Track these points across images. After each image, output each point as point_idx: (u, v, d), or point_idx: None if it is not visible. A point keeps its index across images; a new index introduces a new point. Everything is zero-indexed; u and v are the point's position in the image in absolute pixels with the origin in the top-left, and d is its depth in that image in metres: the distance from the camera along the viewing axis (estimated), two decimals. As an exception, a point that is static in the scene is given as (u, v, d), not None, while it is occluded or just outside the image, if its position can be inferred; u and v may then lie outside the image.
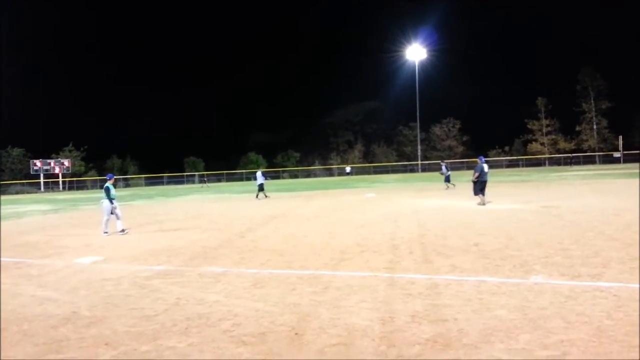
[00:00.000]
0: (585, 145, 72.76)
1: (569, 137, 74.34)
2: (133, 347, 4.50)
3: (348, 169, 73.19)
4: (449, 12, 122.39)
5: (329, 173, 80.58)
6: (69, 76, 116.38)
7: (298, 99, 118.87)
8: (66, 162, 71.84)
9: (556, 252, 7.94)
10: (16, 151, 73.00)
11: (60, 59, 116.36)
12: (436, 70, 77.75)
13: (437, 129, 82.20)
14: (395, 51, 74.16)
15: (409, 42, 72.79)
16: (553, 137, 75.00)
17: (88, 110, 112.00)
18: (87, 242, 11.82)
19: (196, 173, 75.16)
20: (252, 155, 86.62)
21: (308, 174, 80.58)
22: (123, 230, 12.93)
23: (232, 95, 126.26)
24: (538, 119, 75.56)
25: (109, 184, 13.26)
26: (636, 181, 23.91)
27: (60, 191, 65.80)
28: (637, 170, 34.39)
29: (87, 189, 69.83)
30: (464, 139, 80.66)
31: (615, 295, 5.39)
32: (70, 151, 76.54)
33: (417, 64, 72.87)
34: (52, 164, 70.42)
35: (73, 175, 73.86)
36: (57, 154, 75.58)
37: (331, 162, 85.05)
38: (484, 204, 16.18)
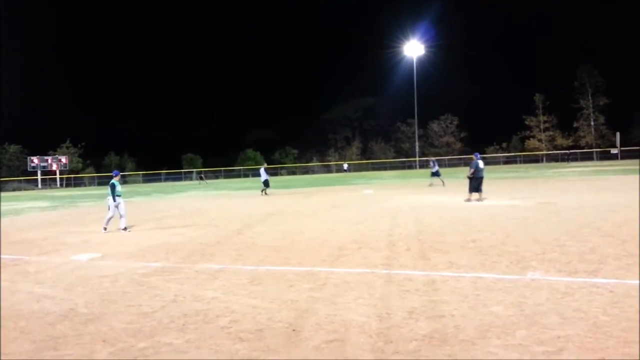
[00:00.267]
0: (582, 142, 72.97)
1: (566, 133, 74.58)
2: (130, 344, 4.50)
3: (345, 166, 73.24)
4: (446, 8, 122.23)
5: (327, 170, 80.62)
6: (67, 73, 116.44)
7: (296, 95, 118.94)
8: (64, 159, 71.74)
9: (553, 248, 7.97)
10: (13, 148, 72.87)
11: (58, 55, 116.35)
12: (434, 66, 77.75)
13: (435, 126, 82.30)
14: (393, 47, 74.13)
15: (406, 38, 72.75)
16: (551, 133, 75.20)
17: (86, 107, 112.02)
18: (84, 239, 11.81)
19: (194, 170, 75.10)
20: (250, 152, 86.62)
21: (306, 171, 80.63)
22: (125, 229, 12.85)
23: (230, 93, 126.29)
24: (536, 116, 75.74)
25: (114, 180, 13.01)
26: (632, 177, 23.99)
27: (57, 188, 65.68)
28: (634, 167, 34.51)
29: (85, 185, 69.76)
30: (462, 135, 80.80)
31: (611, 292, 5.41)
32: (67, 148, 76.45)
33: (415, 60, 72.82)
34: (49, 161, 70.31)
35: (70, 172, 73.75)
36: (55, 150, 75.46)
37: (329, 158, 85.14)
38: (469, 201, 16.26)
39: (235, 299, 5.88)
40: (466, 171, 18.00)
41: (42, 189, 64.63)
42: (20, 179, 67.81)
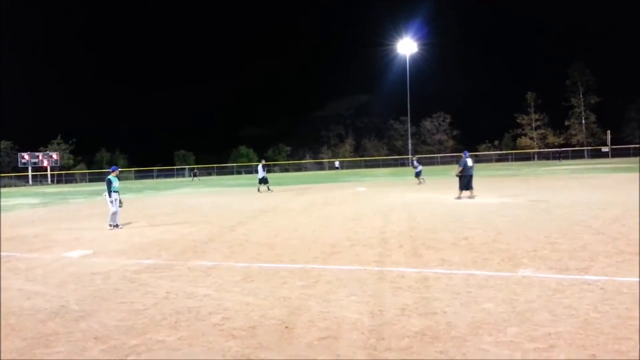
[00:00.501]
0: (574, 140, 73.47)
1: (558, 131, 75.01)
2: (122, 341, 4.48)
3: (337, 163, 73.26)
4: (439, 6, 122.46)
5: (320, 167, 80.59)
6: (59, 68, 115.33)
7: (289, 93, 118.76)
8: (55, 155, 71.10)
9: (544, 245, 8.03)
10: (4, 144, 72.18)
11: (50, 51, 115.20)
12: (427, 64, 77.84)
13: (427, 123, 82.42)
14: (386, 45, 74.02)
15: (400, 35, 72.72)
16: (542, 131, 75.62)
17: (77, 103, 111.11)
18: (76, 236, 11.73)
19: (186, 166, 74.77)
20: (243, 149, 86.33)
21: (299, 168, 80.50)
22: (117, 225, 12.76)
23: (224, 91, 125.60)
24: (528, 114, 76.11)
25: (111, 176, 12.77)
26: (623, 176, 24.20)
27: (48, 184, 65.16)
28: (625, 165, 34.81)
29: (76, 182, 69.20)
30: (454, 133, 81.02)
31: (601, 289, 5.46)
32: (58, 144, 75.78)
33: (408, 58, 72.85)
34: (40, 157, 69.65)
35: (62, 168, 73.15)
36: (46, 147, 74.79)
37: (322, 156, 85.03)
38: (460, 198, 16.34)
39: (228, 296, 5.87)
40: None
41: (32, 185, 64.09)
42: (11, 175, 67.21)
